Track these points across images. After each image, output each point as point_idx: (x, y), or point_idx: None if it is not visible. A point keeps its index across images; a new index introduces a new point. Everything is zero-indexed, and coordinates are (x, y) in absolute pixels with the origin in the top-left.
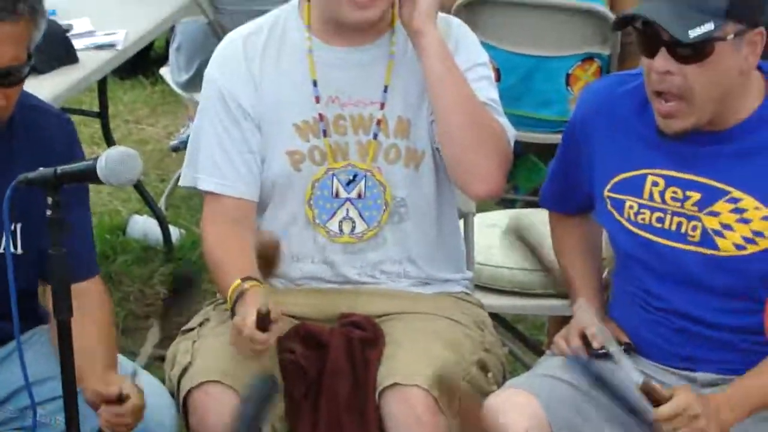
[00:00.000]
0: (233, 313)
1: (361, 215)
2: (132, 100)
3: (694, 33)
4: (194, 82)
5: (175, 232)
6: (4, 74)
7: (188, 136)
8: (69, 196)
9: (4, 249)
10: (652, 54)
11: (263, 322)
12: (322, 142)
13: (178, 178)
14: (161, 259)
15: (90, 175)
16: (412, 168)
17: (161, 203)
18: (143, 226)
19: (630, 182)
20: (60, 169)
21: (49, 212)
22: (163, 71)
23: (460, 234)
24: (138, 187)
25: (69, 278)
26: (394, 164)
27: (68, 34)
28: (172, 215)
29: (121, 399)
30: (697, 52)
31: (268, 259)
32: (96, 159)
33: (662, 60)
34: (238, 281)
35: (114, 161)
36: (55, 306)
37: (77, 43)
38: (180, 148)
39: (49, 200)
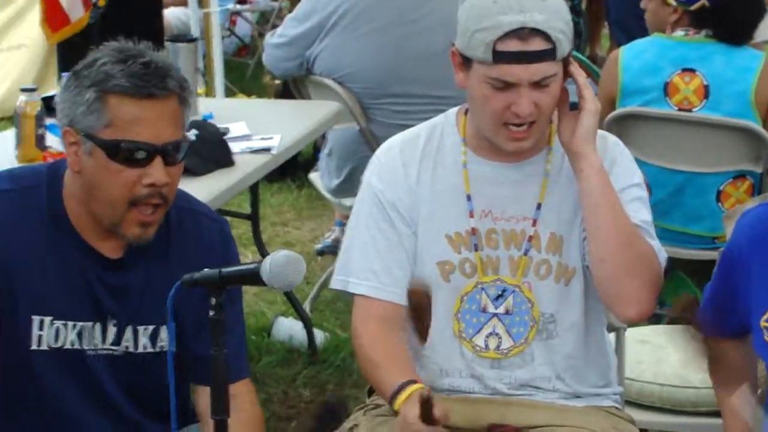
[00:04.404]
0: (395, 412)
1: (507, 331)
2: (279, 203)
3: None
4: (344, 188)
5: (319, 335)
6: (166, 151)
7: (333, 241)
8: (226, 297)
9: (160, 348)
10: None
11: (427, 410)
12: (473, 256)
13: (323, 282)
14: (305, 361)
15: (254, 278)
16: (562, 284)
17: (306, 306)
18: (288, 328)
19: None
20: (224, 270)
21: (211, 313)
22: (313, 176)
23: (608, 349)
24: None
25: (227, 379)
26: (544, 280)
27: (225, 137)
28: (317, 318)
29: None
30: None
31: (419, 310)
32: (260, 262)
33: None
34: (400, 385)
35: (279, 265)
36: (213, 406)
37: (233, 147)
38: (325, 252)
39: (212, 301)
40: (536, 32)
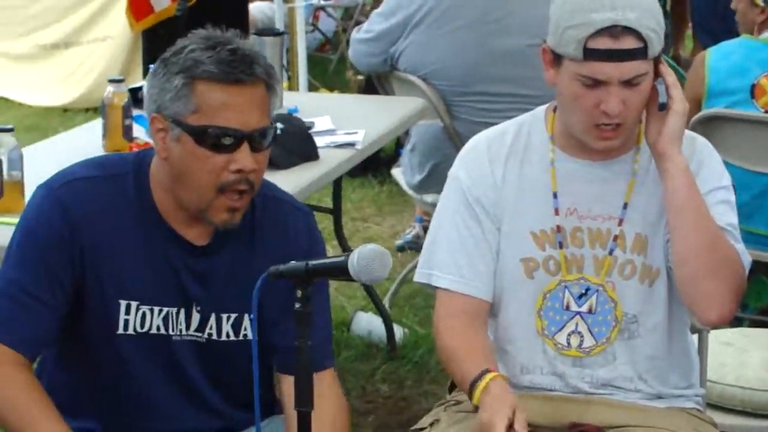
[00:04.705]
0: (475, 406)
1: (590, 330)
2: (360, 198)
3: None
4: (426, 184)
5: (398, 330)
6: (253, 137)
7: (413, 237)
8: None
9: (243, 337)
10: None
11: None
12: (558, 253)
13: (403, 278)
14: (384, 357)
15: (341, 271)
16: (646, 284)
17: (385, 301)
18: (367, 323)
19: None
20: (311, 263)
21: (297, 305)
22: (395, 171)
23: (691, 350)
24: (365, 284)
25: (312, 370)
26: (628, 280)
27: (310, 131)
28: (396, 314)
29: None
30: None
31: None
32: (347, 255)
33: None
34: (476, 376)
35: (366, 258)
36: (297, 398)
37: (318, 141)
38: (405, 248)
39: (298, 293)
40: (628, 30)
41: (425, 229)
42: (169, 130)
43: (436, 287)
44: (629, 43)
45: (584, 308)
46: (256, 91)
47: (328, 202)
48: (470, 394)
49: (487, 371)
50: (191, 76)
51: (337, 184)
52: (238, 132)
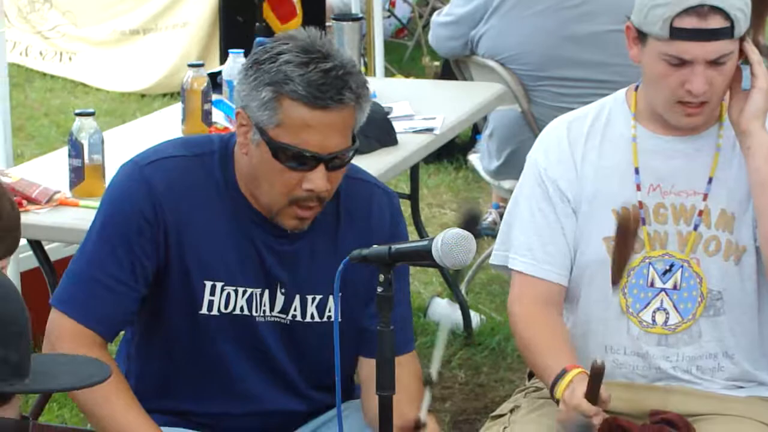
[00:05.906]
0: (556, 400)
1: (675, 307)
2: (436, 184)
3: None
4: (503, 170)
5: (474, 317)
6: (330, 159)
7: (490, 223)
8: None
9: (327, 318)
10: None
11: (597, 379)
12: (641, 230)
13: (480, 264)
14: (460, 343)
15: (424, 255)
16: (731, 261)
17: (462, 288)
18: (444, 309)
19: None
20: (394, 247)
21: (379, 289)
22: (472, 157)
23: None
24: (442, 270)
25: (394, 354)
26: (713, 256)
27: (389, 117)
28: (472, 300)
29: (418, 426)
30: None
31: (625, 237)
32: (431, 240)
33: None
34: (559, 373)
35: (450, 243)
36: (379, 381)
37: (396, 126)
38: (482, 234)
39: (381, 277)
40: (715, 10)
41: (502, 216)
42: (251, 131)
43: (512, 270)
44: (716, 22)
45: (669, 284)
46: (341, 114)
47: (404, 189)
48: (552, 389)
49: (570, 368)
50: (279, 91)
51: (415, 170)
52: (316, 155)
